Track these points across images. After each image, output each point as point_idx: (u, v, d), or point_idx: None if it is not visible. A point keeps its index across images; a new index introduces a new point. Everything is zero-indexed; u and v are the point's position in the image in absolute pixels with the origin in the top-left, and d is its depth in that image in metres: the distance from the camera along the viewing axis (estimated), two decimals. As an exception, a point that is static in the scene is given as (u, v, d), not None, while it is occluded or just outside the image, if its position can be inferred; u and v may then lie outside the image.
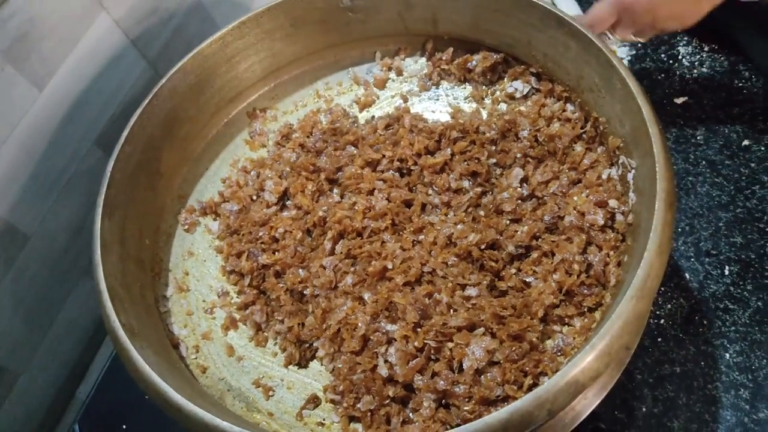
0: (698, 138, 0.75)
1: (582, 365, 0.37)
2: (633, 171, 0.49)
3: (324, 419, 0.49)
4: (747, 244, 0.67)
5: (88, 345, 0.77)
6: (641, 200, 0.46)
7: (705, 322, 0.64)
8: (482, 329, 0.47)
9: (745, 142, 0.73)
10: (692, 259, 0.67)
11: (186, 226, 0.61)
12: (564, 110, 0.58)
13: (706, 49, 0.82)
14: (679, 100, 0.78)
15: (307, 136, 0.63)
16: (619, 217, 0.50)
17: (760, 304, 0.63)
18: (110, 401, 0.70)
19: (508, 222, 0.54)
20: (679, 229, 0.69)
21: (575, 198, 0.52)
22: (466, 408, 0.44)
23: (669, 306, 0.65)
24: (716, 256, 0.67)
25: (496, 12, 0.58)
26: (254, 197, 0.60)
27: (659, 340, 0.63)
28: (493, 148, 0.58)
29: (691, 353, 0.62)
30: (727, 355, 0.61)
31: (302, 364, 0.53)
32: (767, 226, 0.67)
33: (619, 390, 0.61)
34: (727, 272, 0.66)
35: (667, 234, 0.41)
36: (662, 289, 0.66)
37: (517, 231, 0.52)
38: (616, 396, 0.61)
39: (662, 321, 0.64)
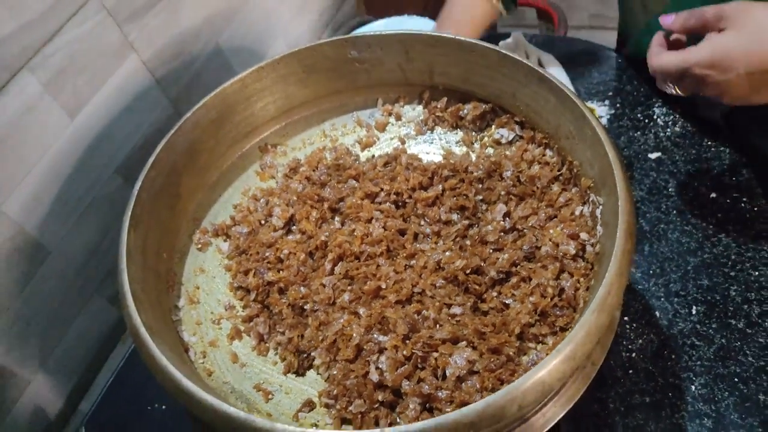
0: (670, 190, 0.82)
1: (549, 367, 0.42)
2: (600, 207, 0.55)
3: (318, 421, 0.54)
4: (713, 287, 0.73)
5: (93, 360, 0.81)
6: (607, 232, 0.53)
7: (673, 357, 0.69)
8: (464, 342, 0.52)
9: (713, 195, 0.80)
10: (662, 299, 0.73)
11: (199, 246, 0.66)
12: (544, 155, 0.64)
13: (678, 110, 0.90)
14: (653, 156, 0.86)
15: (313, 170, 0.70)
16: (588, 248, 0.56)
17: (723, 341, 0.69)
18: (112, 414, 0.74)
19: (491, 251, 0.59)
20: (651, 272, 0.75)
21: (551, 231, 0.58)
22: (447, 410, 0.49)
23: (640, 341, 0.70)
24: (684, 296, 0.73)
25: (486, 68, 0.66)
26: (263, 222, 0.66)
27: (630, 372, 0.68)
28: (480, 186, 0.64)
29: (659, 385, 0.67)
30: (693, 387, 0.66)
31: (300, 372, 0.57)
32: (731, 271, 0.73)
33: (593, 418, 0.66)
34: (694, 312, 0.71)
35: (627, 259, 0.47)
36: (634, 325, 0.72)
37: (498, 258, 0.58)
38: (589, 423, 0.65)
39: (634, 354, 0.69)
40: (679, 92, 0.66)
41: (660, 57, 0.64)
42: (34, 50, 0.66)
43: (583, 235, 0.56)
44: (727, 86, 0.59)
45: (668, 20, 0.64)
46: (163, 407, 0.71)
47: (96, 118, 0.75)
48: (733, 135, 0.84)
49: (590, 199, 0.58)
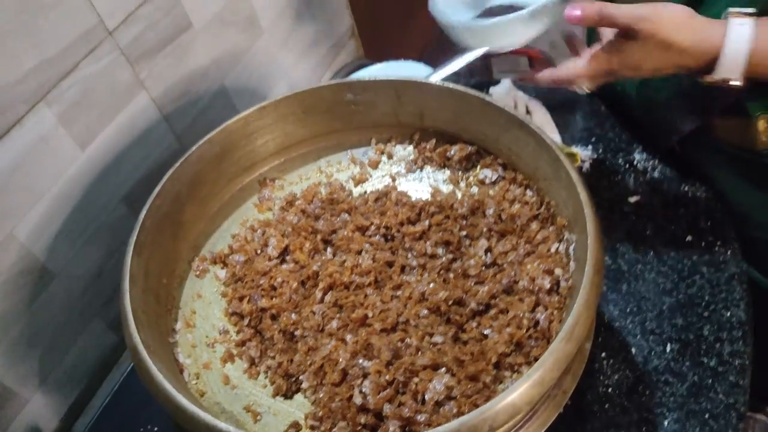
0: (648, 232, 0.86)
1: (519, 390, 0.46)
2: (573, 244, 0.59)
3: (303, 441, 0.56)
4: (687, 326, 0.76)
5: (90, 381, 0.83)
6: (578, 267, 0.56)
7: (647, 392, 0.71)
8: (444, 369, 0.56)
9: (689, 238, 0.84)
10: (638, 336, 0.76)
11: (197, 272, 0.70)
12: (524, 195, 0.69)
13: (658, 156, 0.94)
14: (633, 199, 0.90)
15: (308, 204, 0.74)
16: (563, 283, 0.60)
17: (696, 378, 0.71)
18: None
19: (472, 284, 0.63)
20: (628, 310, 0.78)
21: (528, 266, 0.62)
22: (425, 432, 0.52)
23: (616, 377, 0.73)
24: (659, 334, 0.76)
25: (472, 113, 0.70)
26: (259, 251, 0.70)
27: (607, 406, 0.71)
28: (464, 222, 0.69)
29: (634, 419, 0.69)
30: (666, 423, 0.68)
31: (288, 395, 0.60)
32: (705, 311, 0.77)
33: (571, 449, 0.68)
34: (668, 349, 0.74)
35: (594, 292, 0.50)
36: (611, 361, 0.75)
37: (479, 291, 0.62)
38: (568, 454, 0.68)
39: (610, 390, 0.72)
40: (587, 89, 0.72)
41: (568, 65, 0.69)
42: (51, 85, 0.71)
43: (558, 271, 0.60)
44: (639, 72, 0.64)
45: (576, 13, 0.64)
46: (156, 429, 0.74)
47: (105, 150, 0.80)
48: (691, 164, 0.89)
49: (565, 237, 0.62)
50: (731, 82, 0.61)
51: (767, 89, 0.65)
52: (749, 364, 0.72)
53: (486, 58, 0.92)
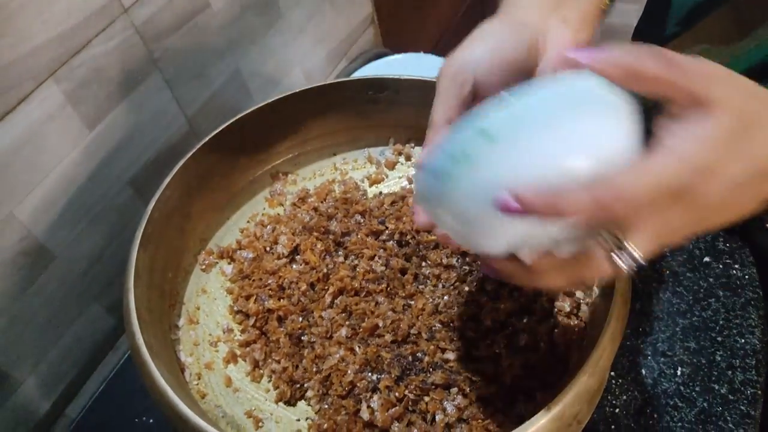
0: (665, 250, 0.84)
1: (536, 425, 0.44)
2: (598, 268, 0.57)
3: (305, 454, 0.55)
4: (699, 350, 0.74)
5: (85, 366, 0.81)
6: (603, 295, 0.54)
7: (655, 416, 0.70)
8: (456, 389, 0.54)
9: (706, 259, 0.82)
10: (649, 357, 0.74)
11: (203, 266, 0.68)
12: (547, 210, 0.66)
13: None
14: (651, 215, 0.88)
15: (321, 202, 0.71)
16: (583, 307, 0.58)
17: (705, 405, 0.70)
18: (99, 423, 0.74)
19: (488, 299, 0.61)
20: (640, 329, 0.77)
21: (548, 286, 0.60)
22: (434, 456, 0.50)
23: (624, 397, 0.72)
24: (671, 357, 0.74)
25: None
26: (268, 248, 0.68)
27: (613, 427, 0.69)
28: (483, 233, 0.66)
29: (640, 443, 0.68)
30: (673, 449, 0.67)
31: (291, 402, 0.58)
32: (718, 336, 0.75)
33: (573, 470, 0.67)
34: (679, 373, 0.73)
35: (621, 324, 0.48)
36: (620, 381, 0.73)
37: (495, 308, 0.59)
38: (569, 476, 0.66)
39: (617, 410, 0.71)
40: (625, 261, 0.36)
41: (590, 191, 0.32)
42: (61, 62, 0.68)
43: (579, 294, 0.58)
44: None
45: (599, 56, 0.34)
46: (151, 420, 0.72)
47: (113, 131, 0.77)
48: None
49: (589, 260, 0.59)
50: None
51: None
52: (761, 395, 0.70)
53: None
